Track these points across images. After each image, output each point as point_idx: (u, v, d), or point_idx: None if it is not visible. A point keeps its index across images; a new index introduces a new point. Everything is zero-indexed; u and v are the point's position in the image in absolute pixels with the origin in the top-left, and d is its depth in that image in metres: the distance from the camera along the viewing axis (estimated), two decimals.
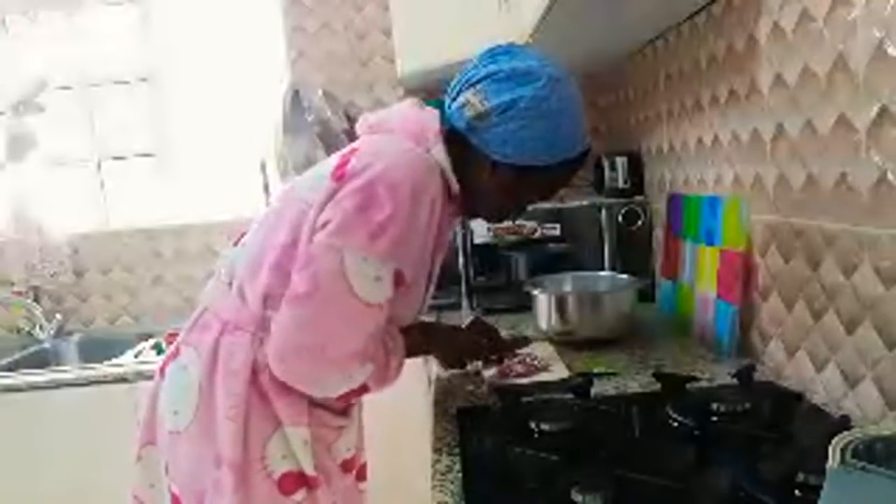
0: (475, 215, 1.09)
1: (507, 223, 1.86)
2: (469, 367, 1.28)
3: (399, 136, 0.95)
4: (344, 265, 0.84)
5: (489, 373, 1.28)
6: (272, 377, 0.90)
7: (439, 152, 0.94)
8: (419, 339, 1.07)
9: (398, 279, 0.89)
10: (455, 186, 0.96)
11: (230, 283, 0.97)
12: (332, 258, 0.85)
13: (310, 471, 0.93)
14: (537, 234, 1.86)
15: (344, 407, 1.02)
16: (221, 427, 0.90)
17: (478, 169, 0.96)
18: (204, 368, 0.93)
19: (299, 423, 0.92)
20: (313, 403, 0.94)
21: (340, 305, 0.85)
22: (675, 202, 1.64)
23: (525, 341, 1.26)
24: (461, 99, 0.94)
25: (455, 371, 1.27)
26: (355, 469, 1.09)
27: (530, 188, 0.99)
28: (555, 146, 0.93)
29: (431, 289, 1.05)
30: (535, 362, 1.32)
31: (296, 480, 0.93)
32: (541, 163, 0.93)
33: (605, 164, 1.98)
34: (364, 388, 0.93)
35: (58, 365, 2.16)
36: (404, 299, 0.95)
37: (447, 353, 1.16)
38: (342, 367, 0.88)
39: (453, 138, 0.95)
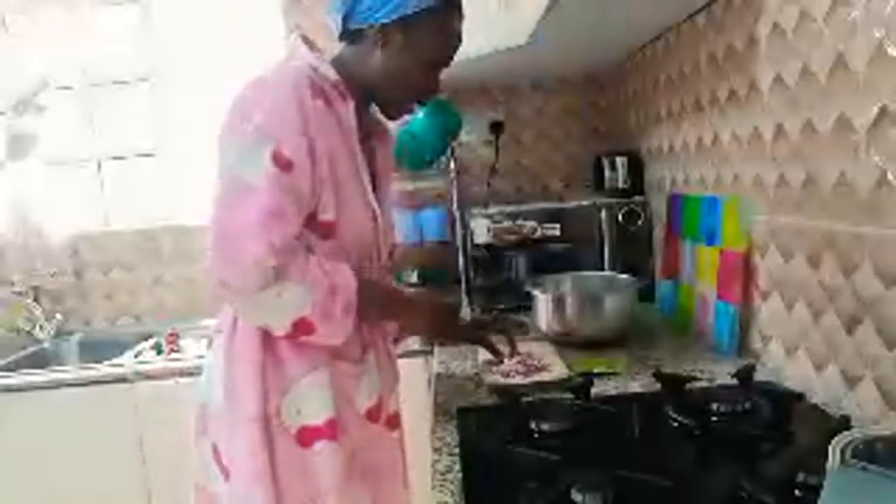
0: (396, 110, 1.09)
1: (507, 223, 1.86)
2: (479, 362, 1.27)
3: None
4: (228, 165, 0.90)
5: (489, 375, 1.28)
6: (286, 342, 0.95)
7: (305, 55, 1.00)
8: (396, 300, 1.06)
9: (280, 158, 0.88)
10: (333, 76, 0.98)
11: None
12: (221, 171, 0.91)
13: (329, 414, 0.96)
14: (537, 234, 1.85)
15: (359, 355, 1.02)
16: (244, 393, 0.96)
17: (372, 52, 1.00)
18: (226, 344, 0.99)
19: (314, 370, 0.97)
20: (328, 354, 0.98)
21: (229, 199, 0.90)
22: (675, 202, 1.64)
23: (521, 328, 1.27)
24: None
25: (444, 346, 1.25)
26: (383, 417, 1.08)
27: (425, 41, 0.99)
28: None
29: (380, 222, 1.04)
30: (535, 362, 1.32)
31: (313, 433, 0.96)
32: (424, 5, 0.96)
33: (605, 164, 1.98)
34: (310, 327, 0.91)
35: (58, 365, 2.16)
36: (344, 226, 0.96)
37: (433, 324, 1.09)
38: (250, 256, 0.86)
39: (343, 53, 1.03)
